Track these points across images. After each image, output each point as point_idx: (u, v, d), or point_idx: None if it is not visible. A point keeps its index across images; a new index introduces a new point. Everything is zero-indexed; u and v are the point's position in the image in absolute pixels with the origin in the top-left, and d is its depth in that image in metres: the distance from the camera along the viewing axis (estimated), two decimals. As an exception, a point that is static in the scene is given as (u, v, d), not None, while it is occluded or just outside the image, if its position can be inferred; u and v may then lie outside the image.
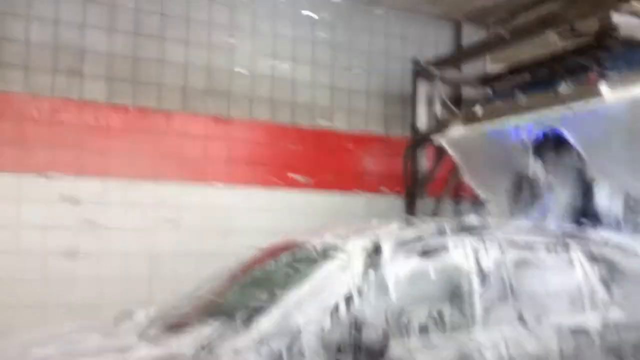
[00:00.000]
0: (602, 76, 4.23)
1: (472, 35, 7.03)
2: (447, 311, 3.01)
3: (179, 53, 6.09)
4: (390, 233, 3.16)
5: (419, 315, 2.93)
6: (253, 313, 2.78)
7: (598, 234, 3.84)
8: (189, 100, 6.11)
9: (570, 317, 3.30)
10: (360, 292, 2.83)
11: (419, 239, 3.15)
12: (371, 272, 2.92)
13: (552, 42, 5.35)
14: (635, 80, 3.97)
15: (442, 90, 6.10)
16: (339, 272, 2.91)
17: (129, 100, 5.82)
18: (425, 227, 3.27)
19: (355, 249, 3.03)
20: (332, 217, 6.27)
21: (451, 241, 3.19)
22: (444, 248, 3.16)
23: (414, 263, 3.05)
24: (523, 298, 3.22)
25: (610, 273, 3.56)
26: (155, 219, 5.78)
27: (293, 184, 6.47)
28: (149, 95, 5.92)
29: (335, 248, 3.10)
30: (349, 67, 6.91)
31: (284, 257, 3.38)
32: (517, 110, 4.85)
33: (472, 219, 3.63)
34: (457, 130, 5.38)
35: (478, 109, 5.16)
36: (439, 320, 2.96)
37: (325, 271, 2.94)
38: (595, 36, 4.67)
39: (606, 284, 3.50)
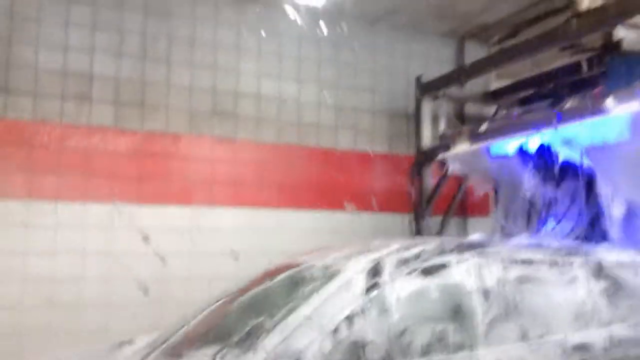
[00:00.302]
0: (607, 91, 4.23)
1: (475, 51, 7.06)
2: (450, 331, 2.98)
3: (185, 75, 6.14)
4: (391, 252, 3.14)
5: (422, 335, 2.90)
6: (255, 336, 2.75)
7: (601, 250, 3.83)
8: (195, 123, 6.15)
9: (574, 333, 3.27)
10: (361, 313, 2.81)
11: (421, 257, 3.12)
12: (372, 292, 2.89)
13: (556, 57, 5.38)
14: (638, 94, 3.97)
15: (446, 108, 6.11)
16: (340, 292, 2.88)
17: (136, 124, 5.87)
18: (426, 245, 3.24)
19: (356, 269, 3.00)
20: (339, 236, 6.28)
21: (453, 259, 3.17)
22: (445, 266, 3.14)
23: (415, 282, 3.03)
24: (526, 316, 3.19)
25: (614, 289, 3.54)
26: (164, 243, 5.78)
27: (300, 204, 6.47)
28: (156, 119, 5.97)
29: (336, 269, 3.08)
30: (354, 85, 6.96)
31: (286, 279, 3.36)
32: (521, 127, 4.85)
33: (474, 236, 3.61)
34: (463, 148, 5.39)
35: (483, 126, 5.17)
36: (442, 340, 2.93)
37: (327, 292, 2.90)
38: (599, 51, 4.69)
39: (610, 299, 3.48)
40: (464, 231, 6.77)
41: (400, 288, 2.95)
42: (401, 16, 6.73)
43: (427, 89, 6.18)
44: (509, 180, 5.39)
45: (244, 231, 6.16)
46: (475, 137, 5.29)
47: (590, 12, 4.47)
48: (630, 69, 4.33)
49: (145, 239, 5.72)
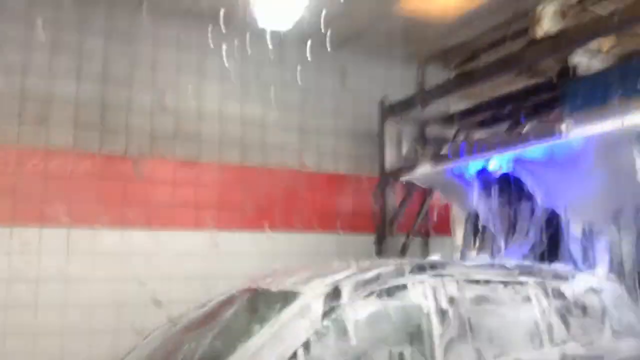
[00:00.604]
0: (563, 115, 4.37)
1: (436, 75, 7.20)
2: (408, 353, 2.96)
3: (147, 98, 6.09)
4: (349, 275, 3.11)
5: (380, 358, 2.88)
6: None
7: (554, 269, 3.89)
8: (157, 145, 6.08)
9: (529, 353, 3.29)
10: (319, 337, 2.77)
11: (379, 280, 3.10)
12: (330, 316, 2.86)
13: (514, 80, 5.54)
14: (593, 118, 4.11)
15: (409, 130, 6.20)
16: (297, 317, 2.84)
17: (95, 147, 5.76)
18: (384, 267, 3.22)
19: (314, 293, 2.97)
20: (304, 258, 6.25)
21: (410, 281, 3.17)
22: (403, 288, 3.13)
23: (373, 305, 3.01)
24: (482, 336, 3.20)
25: (567, 308, 3.59)
26: (123, 268, 5.65)
27: (264, 227, 6.43)
28: (116, 141, 5.87)
29: (293, 293, 3.04)
30: (318, 107, 7.00)
31: (242, 304, 3.30)
32: (481, 149, 4.95)
33: (432, 257, 3.64)
34: (425, 169, 5.47)
35: (445, 149, 5.27)
36: None
37: (284, 317, 2.86)
38: (555, 76, 4.84)
39: (563, 318, 3.53)
40: (426, 250, 6.83)
41: (359, 311, 2.93)
42: (363, 41, 6.84)
43: (390, 111, 6.28)
44: (469, 201, 5.50)
45: (207, 254, 6.08)
46: (437, 159, 5.37)
47: (547, 39, 4.62)
48: (585, 92, 4.47)
49: (107, 263, 5.58)
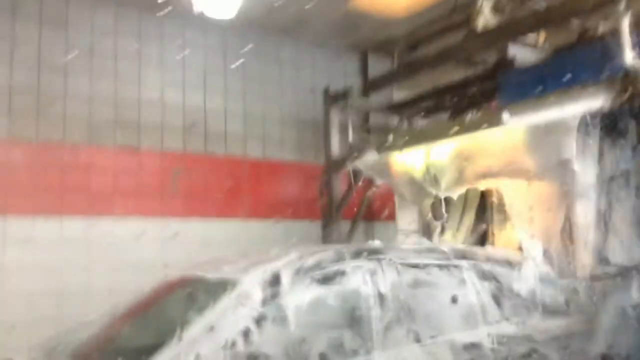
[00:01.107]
0: (501, 105, 4.58)
1: (379, 64, 7.36)
2: (347, 337, 3.01)
3: (84, 85, 5.90)
4: (289, 262, 3.12)
5: (320, 344, 2.91)
6: (146, 354, 2.62)
7: (488, 252, 4.01)
8: (96, 132, 5.92)
9: (464, 333, 3.39)
10: (258, 325, 2.78)
11: (318, 266, 3.13)
12: (270, 303, 2.88)
13: (455, 70, 5.74)
14: (532, 107, 4.33)
15: (353, 118, 6.31)
16: (236, 305, 2.83)
17: (32, 135, 5.54)
18: (324, 253, 3.25)
19: (253, 280, 2.96)
20: (250, 245, 6.27)
21: (349, 266, 3.21)
22: (342, 274, 3.17)
23: (313, 291, 3.04)
24: (419, 318, 3.28)
25: (499, 289, 3.70)
26: (62, 257, 5.52)
27: (208, 214, 6.40)
28: (53, 129, 5.67)
29: (232, 281, 3.01)
30: (262, 95, 6.99)
31: (181, 292, 3.26)
32: (424, 137, 5.12)
33: (372, 242, 3.67)
34: (371, 157, 5.59)
35: (390, 137, 5.40)
36: (339, 347, 2.96)
37: (222, 306, 2.84)
38: (494, 66, 5.05)
39: (496, 299, 3.63)
40: (371, 236, 7.00)
41: (298, 297, 2.95)
42: (307, 29, 6.87)
43: (334, 100, 6.35)
44: (413, 188, 5.67)
45: (148, 242, 5.99)
46: (382, 147, 5.50)
47: (486, 31, 4.82)
48: (520, 82, 4.69)
49: (46, 251, 5.42)
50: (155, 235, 6.05)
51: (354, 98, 6.18)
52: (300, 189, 6.92)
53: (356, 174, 6.02)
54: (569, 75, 4.17)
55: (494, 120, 4.42)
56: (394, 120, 6.46)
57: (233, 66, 6.71)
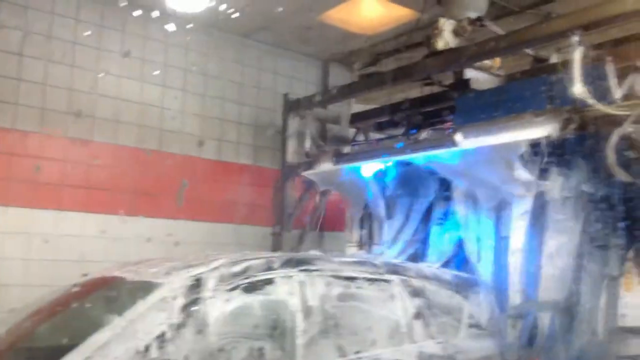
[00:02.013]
0: (456, 126, 4.70)
1: (339, 74, 7.45)
2: (269, 348, 2.94)
3: (39, 71, 5.74)
4: (215, 267, 3.03)
5: (239, 354, 2.83)
6: (54, 356, 2.51)
7: (419, 268, 4.01)
8: (47, 122, 5.75)
9: (388, 350, 3.35)
10: (176, 331, 2.68)
11: (245, 274, 3.05)
12: (190, 309, 2.78)
13: (412, 87, 5.86)
14: (484, 130, 4.47)
15: (311, 127, 6.35)
16: (153, 309, 2.73)
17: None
18: (253, 261, 3.17)
19: (174, 284, 2.86)
20: (199, 247, 6.21)
21: (278, 275, 3.15)
22: (270, 282, 3.11)
23: (237, 299, 2.96)
24: (345, 332, 3.23)
25: (428, 305, 3.69)
26: (3, 248, 5.34)
27: (156, 213, 6.30)
28: (2, 115, 5.48)
29: (153, 283, 2.91)
30: (221, 96, 6.95)
31: (99, 293, 3.14)
32: (380, 152, 5.21)
33: (310, 252, 3.69)
34: (325, 167, 5.64)
35: (347, 149, 5.46)
36: (259, 359, 2.89)
37: (139, 309, 2.73)
38: (450, 87, 5.18)
39: (423, 316, 3.62)
40: (321, 245, 7.04)
41: (221, 305, 2.87)
42: (270, 34, 6.88)
43: (293, 106, 6.38)
44: (361, 200, 5.75)
45: (94, 239, 5.86)
46: (338, 158, 5.56)
47: (445, 52, 4.94)
48: (476, 106, 4.81)
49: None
50: (100, 232, 5.91)
51: (313, 106, 6.23)
52: (254, 193, 6.91)
53: (310, 182, 6.06)
54: (522, 103, 4.32)
55: (448, 141, 4.55)
56: (351, 132, 6.52)
57: (195, 68, 6.67)
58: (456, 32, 4.87)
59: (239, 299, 2.96)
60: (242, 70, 7.11)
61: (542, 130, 3.99)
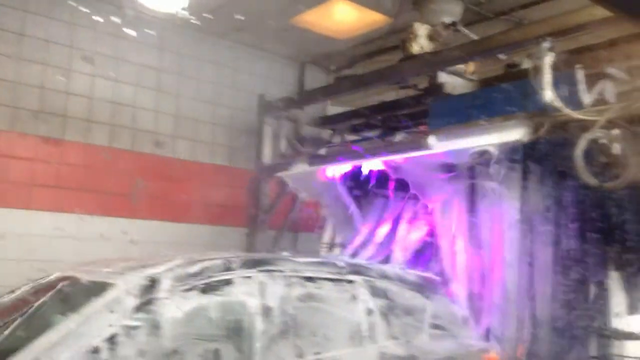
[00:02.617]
0: (430, 128, 4.76)
1: (316, 76, 7.46)
2: (226, 351, 2.88)
3: (10, 69, 5.65)
4: (171, 268, 2.96)
5: (194, 356, 2.77)
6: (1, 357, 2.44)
7: (382, 269, 3.97)
8: (18, 120, 5.66)
9: (349, 350, 3.32)
10: (127, 333, 2.61)
11: (202, 273, 2.98)
12: (143, 310, 2.71)
13: (388, 91, 5.91)
14: (456, 134, 4.54)
15: (286, 128, 6.36)
16: (104, 310, 2.66)
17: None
18: (212, 261, 3.10)
19: (128, 285, 2.79)
20: (171, 247, 6.16)
21: (237, 276, 3.08)
22: (228, 283, 3.04)
23: (194, 300, 2.89)
24: (305, 333, 3.19)
25: (390, 306, 3.65)
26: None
27: (131, 213, 6.24)
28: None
29: (106, 284, 2.83)
30: (196, 97, 6.91)
31: (51, 293, 3.02)
32: (355, 154, 5.24)
33: (268, 253, 3.63)
34: (301, 168, 5.66)
35: (322, 150, 5.49)
36: None
37: (90, 310, 2.66)
38: (424, 91, 5.25)
39: (385, 317, 3.58)
40: (295, 246, 7.05)
41: (176, 306, 2.81)
42: (246, 35, 6.87)
43: (269, 108, 6.38)
44: (336, 202, 5.77)
45: (65, 239, 5.78)
46: (313, 159, 5.58)
47: (419, 57, 5.00)
48: (449, 110, 4.87)
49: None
50: (74, 233, 5.84)
51: (289, 108, 6.24)
52: (228, 194, 6.88)
53: (285, 183, 6.06)
54: (494, 108, 4.40)
55: (421, 144, 4.60)
56: (326, 134, 6.55)
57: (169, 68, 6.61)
58: (431, 37, 4.94)
59: (195, 300, 2.90)
60: (218, 70, 7.09)
61: (513, 134, 4.06)
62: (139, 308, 2.72)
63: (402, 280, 3.91)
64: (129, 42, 6.41)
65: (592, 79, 4.09)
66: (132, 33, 6.38)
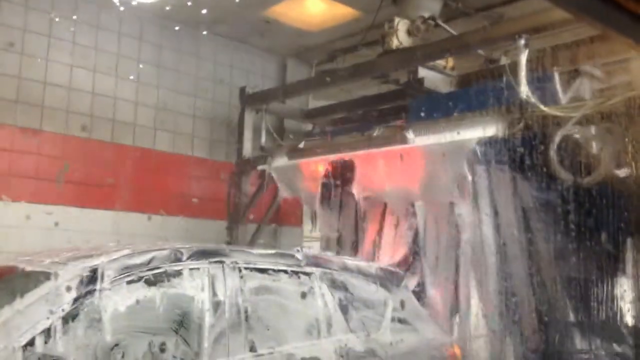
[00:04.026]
0: (409, 123, 4.79)
1: (297, 70, 7.45)
2: (172, 344, 2.77)
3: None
4: (117, 258, 2.83)
5: (137, 350, 2.67)
6: None
7: (342, 261, 3.84)
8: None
9: (305, 344, 3.25)
10: (65, 326, 2.51)
11: (149, 264, 2.87)
12: (84, 301, 2.61)
13: (368, 85, 5.93)
14: (434, 128, 4.57)
15: (267, 121, 6.35)
16: (41, 302, 2.55)
17: None
18: (159, 252, 2.97)
19: (69, 275, 2.67)
20: (149, 240, 6.13)
21: (186, 267, 2.97)
22: (176, 274, 2.93)
23: (139, 292, 2.78)
24: (258, 327, 3.11)
25: (349, 299, 3.57)
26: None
27: (108, 205, 6.19)
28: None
29: (46, 274, 2.71)
30: (175, 88, 6.87)
31: None
32: (334, 148, 5.25)
33: (231, 245, 3.52)
34: (281, 161, 5.66)
35: (302, 144, 5.49)
36: (161, 354, 2.72)
37: (25, 301, 2.55)
38: (404, 85, 5.27)
39: (344, 310, 3.50)
40: (276, 239, 7.06)
41: (120, 297, 2.71)
42: (227, 27, 6.82)
43: (250, 100, 6.36)
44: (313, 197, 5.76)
45: (41, 230, 5.72)
46: (293, 153, 5.58)
47: (399, 51, 5.02)
48: (429, 106, 4.90)
49: None
50: (49, 225, 5.77)
51: (270, 101, 6.23)
52: (208, 187, 6.85)
53: (266, 176, 6.05)
54: (473, 103, 4.44)
55: (400, 138, 4.63)
56: (307, 127, 6.55)
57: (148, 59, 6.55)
58: (410, 32, 4.95)
59: (140, 292, 2.78)
60: (198, 62, 7.04)
61: (489, 129, 4.10)
62: (78, 299, 2.61)
63: (363, 273, 3.80)
64: (108, 33, 6.34)
65: (569, 77, 4.14)
66: (111, 23, 6.32)
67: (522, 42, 4.02)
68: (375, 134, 4.82)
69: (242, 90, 6.49)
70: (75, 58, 6.11)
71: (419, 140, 4.56)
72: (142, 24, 6.53)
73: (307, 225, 6.06)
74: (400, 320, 3.77)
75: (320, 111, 6.29)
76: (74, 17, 6.10)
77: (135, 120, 6.55)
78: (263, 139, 6.17)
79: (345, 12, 6.12)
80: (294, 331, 3.25)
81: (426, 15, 5.11)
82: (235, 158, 6.42)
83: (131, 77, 6.52)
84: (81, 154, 6.09)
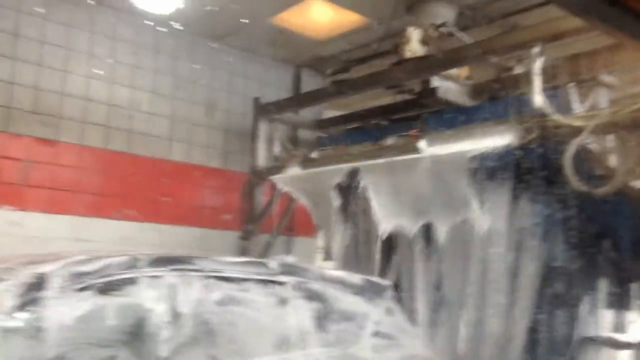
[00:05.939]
0: (422, 133, 4.75)
1: (311, 80, 7.47)
2: (123, 357, 2.57)
3: (5, 69, 5.66)
4: (67, 264, 2.62)
5: None
6: None
7: (320, 270, 3.58)
8: (12, 121, 5.67)
9: (274, 359, 3.01)
10: (3, 337, 2.33)
11: (101, 271, 2.66)
12: (25, 310, 2.41)
13: (383, 95, 5.90)
14: (447, 139, 4.53)
15: (281, 131, 6.34)
16: None
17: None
18: (114, 259, 2.76)
19: (9, 282, 2.47)
20: (163, 250, 6.14)
21: (143, 275, 2.76)
22: (131, 283, 2.71)
23: (89, 301, 2.57)
24: (223, 341, 2.87)
25: (326, 311, 3.32)
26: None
27: (125, 216, 6.24)
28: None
29: None
30: (191, 99, 6.91)
31: None
32: (347, 158, 5.23)
33: (191, 251, 3.28)
34: (294, 171, 5.65)
35: (315, 154, 5.48)
36: None
37: None
38: (417, 95, 5.23)
39: (320, 322, 3.25)
40: (289, 250, 7.03)
41: (67, 307, 2.50)
42: (241, 38, 6.87)
43: (264, 111, 6.37)
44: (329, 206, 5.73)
45: (59, 240, 5.75)
46: (306, 162, 5.57)
47: (412, 61, 4.99)
48: (443, 117, 4.86)
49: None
50: (66, 235, 5.82)
51: (283, 111, 6.23)
52: (222, 197, 6.87)
53: (279, 187, 6.04)
54: (488, 114, 4.39)
55: (412, 148, 4.59)
56: (321, 138, 6.52)
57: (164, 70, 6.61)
58: (423, 41, 4.92)
59: (91, 301, 2.57)
60: (213, 73, 7.09)
61: (503, 139, 4.05)
62: (20, 308, 2.40)
63: (343, 283, 3.53)
64: (124, 44, 6.42)
65: (585, 86, 4.08)
66: (128, 35, 6.40)
67: (536, 50, 3.97)
68: (387, 144, 4.79)
69: (256, 100, 6.51)
70: (92, 69, 6.18)
71: (432, 150, 4.51)
72: (157, 35, 6.60)
73: (320, 237, 6.02)
74: (383, 335, 3.48)
75: (334, 121, 6.27)
76: (91, 28, 6.19)
77: (151, 131, 6.60)
78: (276, 149, 6.17)
79: (358, 20, 6.11)
80: (263, 345, 2.99)
81: (438, 22, 5.07)
82: (249, 168, 6.42)
83: (147, 88, 6.58)
84: (98, 165, 6.14)
